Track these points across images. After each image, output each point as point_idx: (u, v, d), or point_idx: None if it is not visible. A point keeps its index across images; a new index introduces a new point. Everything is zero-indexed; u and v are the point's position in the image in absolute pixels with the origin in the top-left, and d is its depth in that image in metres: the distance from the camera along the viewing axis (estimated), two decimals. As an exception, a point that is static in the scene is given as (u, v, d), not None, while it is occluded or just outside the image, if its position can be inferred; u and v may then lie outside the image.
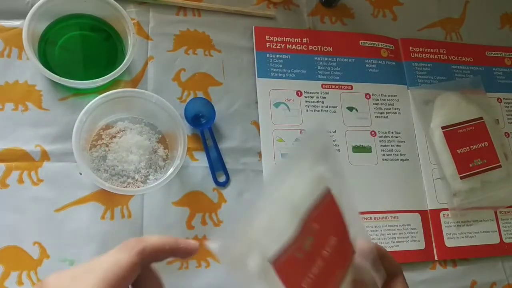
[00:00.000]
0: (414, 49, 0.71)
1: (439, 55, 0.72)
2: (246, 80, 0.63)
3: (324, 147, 0.31)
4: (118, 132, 0.55)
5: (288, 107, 0.63)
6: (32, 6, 0.52)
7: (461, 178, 0.64)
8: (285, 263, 0.26)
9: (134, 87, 0.58)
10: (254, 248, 0.25)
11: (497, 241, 0.65)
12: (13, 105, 0.54)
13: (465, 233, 0.64)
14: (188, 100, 0.59)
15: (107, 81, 0.52)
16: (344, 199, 0.32)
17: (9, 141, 0.52)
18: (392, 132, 0.66)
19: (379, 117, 0.66)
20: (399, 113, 0.67)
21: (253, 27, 0.65)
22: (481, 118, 0.67)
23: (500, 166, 0.65)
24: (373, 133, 0.65)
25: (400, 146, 0.66)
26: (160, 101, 0.52)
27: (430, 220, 0.63)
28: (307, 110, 0.63)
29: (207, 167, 0.57)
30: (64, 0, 0.54)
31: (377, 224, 0.61)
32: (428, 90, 0.69)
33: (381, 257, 0.36)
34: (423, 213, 0.63)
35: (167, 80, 0.60)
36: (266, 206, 0.26)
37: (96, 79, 0.52)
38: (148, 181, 0.54)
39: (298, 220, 0.27)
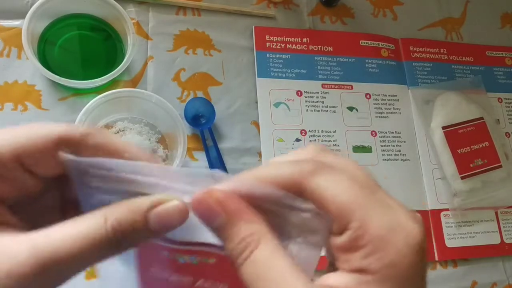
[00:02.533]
0: (415, 48, 0.71)
1: (439, 55, 0.72)
2: (246, 80, 0.63)
3: None
4: (118, 132, 0.55)
5: (288, 107, 0.63)
6: (31, 5, 0.51)
7: (461, 178, 0.64)
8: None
9: (134, 87, 0.58)
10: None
11: (498, 241, 0.65)
12: (12, 105, 0.54)
13: (465, 234, 0.64)
14: (188, 100, 0.59)
15: (107, 81, 0.52)
16: None
17: (9, 141, 0.52)
18: (393, 132, 0.66)
19: (379, 117, 0.66)
20: (400, 113, 0.67)
21: (253, 26, 0.65)
22: (481, 118, 0.66)
23: (500, 166, 0.65)
24: (373, 133, 0.65)
25: (400, 146, 0.65)
26: (159, 101, 0.52)
27: (430, 220, 0.63)
28: (307, 110, 0.63)
29: (207, 167, 0.57)
30: (64, 0, 0.53)
31: (378, 224, 0.61)
32: (429, 90, 0.69)
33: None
34: (423, 213, 0.63)
35: (167, 80, 0.60)
36: None
37: (95, 79, 0.52)
38: (147, 181, 0.53)
39: None
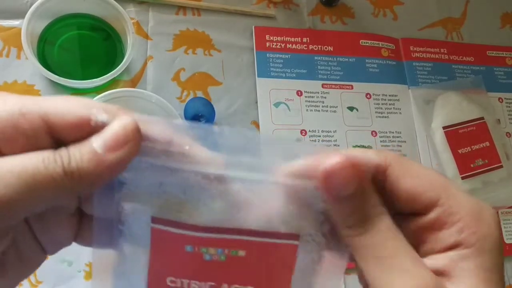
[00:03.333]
0: (415, 48, 0.71)
1: (440, 55, 0.72)
2: (246, 80, 0.63)
3: None
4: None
5: (288, 107, 0.63)
6: (31, 5, 0.51)
7: (462, 178, 0.63)
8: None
9: (134, 87, 0.58)
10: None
11: (499, 241, 0.65)
12: (11, 105, 0.54)
13: (466, 234, 0.64)
14: (187, 100, 0.59)
15: (106, 81, 0.52)
16: None
17: (8, 141, 0.52)
18: (393, 132, 0.66)
19: (379, 117, 0.66)
20: (400, 113, 0.67)
21: (253, 26, 0.65)
22: (482, 118, 0.66)
23: (501, 166, 0.65)
24: (373, 133, 0.65)
25: (401, 146, 0.65)
26: (159, 101, 0.52)
27: (431, 221, 0.63)
28: (307, 110, 0.63)
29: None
30: (63, 0, 0.53)
31: (378, 224, 0.60)
32: (429, 90, 0.68)
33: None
34: (424, 214, 0.63)
35: (167, 80, 0.60)
36: None
37: (95, 79, 0.52)
38: (147, 181, 0.53)
39: None
